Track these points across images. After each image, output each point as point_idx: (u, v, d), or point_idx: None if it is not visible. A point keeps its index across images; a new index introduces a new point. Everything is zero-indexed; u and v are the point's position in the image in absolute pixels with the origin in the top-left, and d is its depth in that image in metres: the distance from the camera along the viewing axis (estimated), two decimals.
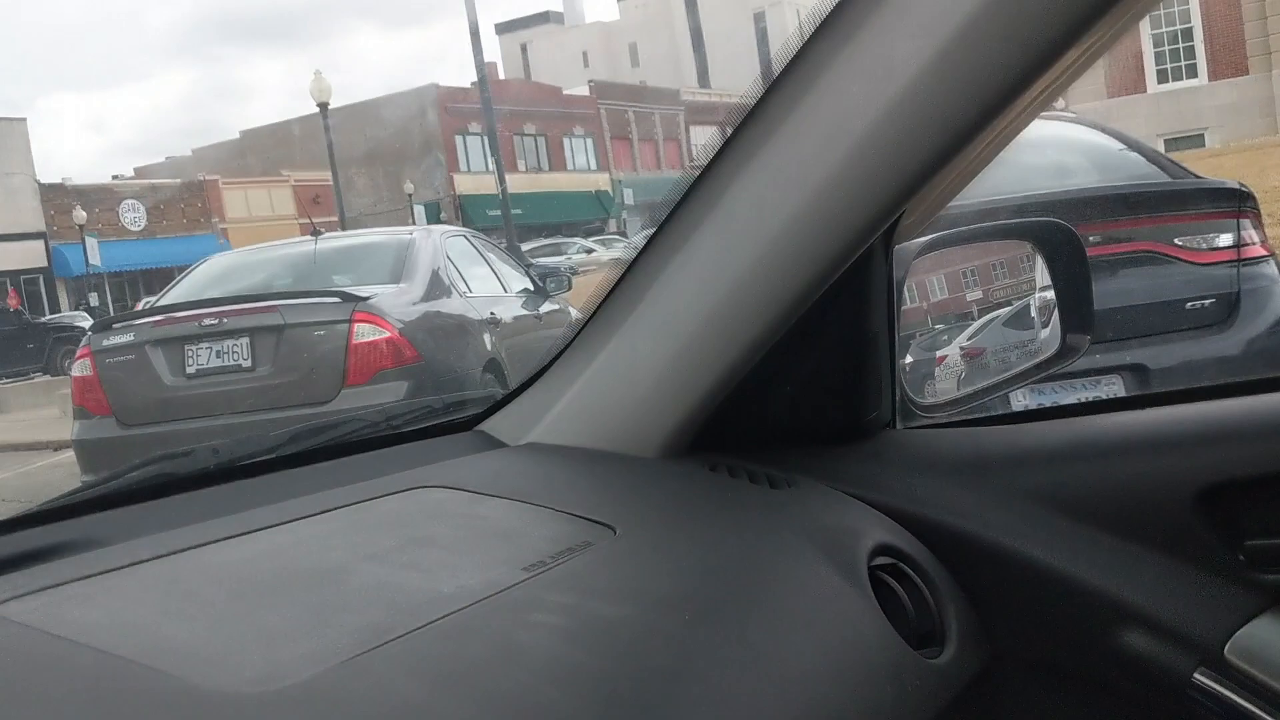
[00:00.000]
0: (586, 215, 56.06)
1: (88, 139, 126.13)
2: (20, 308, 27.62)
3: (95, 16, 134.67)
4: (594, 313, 1.23)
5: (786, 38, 1.01)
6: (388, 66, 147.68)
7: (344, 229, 28.95)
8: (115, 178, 45.99)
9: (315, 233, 6.58)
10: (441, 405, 1.42)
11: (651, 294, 1.15)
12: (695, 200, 1.10)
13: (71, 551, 0.89)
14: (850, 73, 0.96)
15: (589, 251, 36.47)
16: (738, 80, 72.39)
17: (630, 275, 1.18)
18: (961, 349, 2.05)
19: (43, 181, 38.85)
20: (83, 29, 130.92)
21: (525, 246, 37.89)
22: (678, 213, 1.12)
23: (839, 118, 0.98)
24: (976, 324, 2.11)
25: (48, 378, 22.17)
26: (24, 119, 39.41)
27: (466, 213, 51.91)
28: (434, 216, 49.82)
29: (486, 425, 1.31)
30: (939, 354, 1.98)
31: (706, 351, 1.13)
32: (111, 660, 0.71)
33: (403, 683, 0.72)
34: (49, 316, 28.63)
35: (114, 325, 5.83)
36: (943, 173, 1.00)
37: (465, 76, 52.76)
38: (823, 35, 0.97)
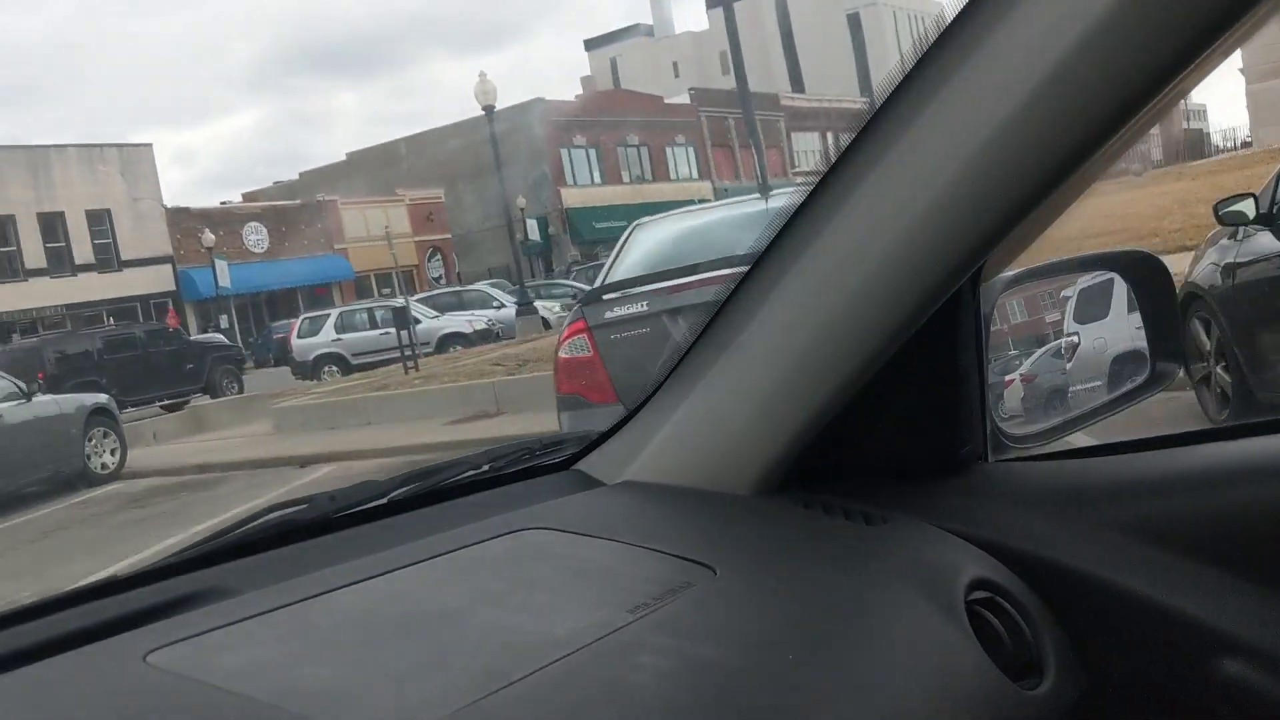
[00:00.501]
0: None
1: (176, 172, 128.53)
2: (179, 327, 27.25)
3: (181, 54, 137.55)
4: (687, 351, 1.24)
5: (881, 81, 1.01)
6: (460, 92, 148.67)
7: (512, 239, 28.33)
8: (223, 203, 46.05)
9: (765, 189, 5.51)
10: (539, 446, 1.43)
11: (745, 332, 1.16)
12: (787, 241, 1.11)
13: (207, 600, 0.94)
14: (943, 115, 0.96)
15: None
16: (833, 84, 71.38)
17: (723, 314, 1.19)
18: (1021, 375, 1.95)
19: (168, 206, 38.86)
20: (170, 66, 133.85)
21: None
22: (770, 252, 1.12)
23: (933, 160, 0.98)
24: (1038, 352, 2.03)
25: (207, 398, 21.65)
26: (149, 144, 39.29)
27: (574, 225, 51.32)
28: (544, 230, 49.40)
29: (583, 464, 1.34)
30: (1007, 378, 1.86)
31: (800, 389, 1.14)
32: (257, 705, 0.77)
33: None
34: (201, 336, 28.23)
35: (604, 296, 4.77)
36: (1035, 213, 1.00)
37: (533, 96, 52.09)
38: (914, 80, 0.97)
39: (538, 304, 26.31)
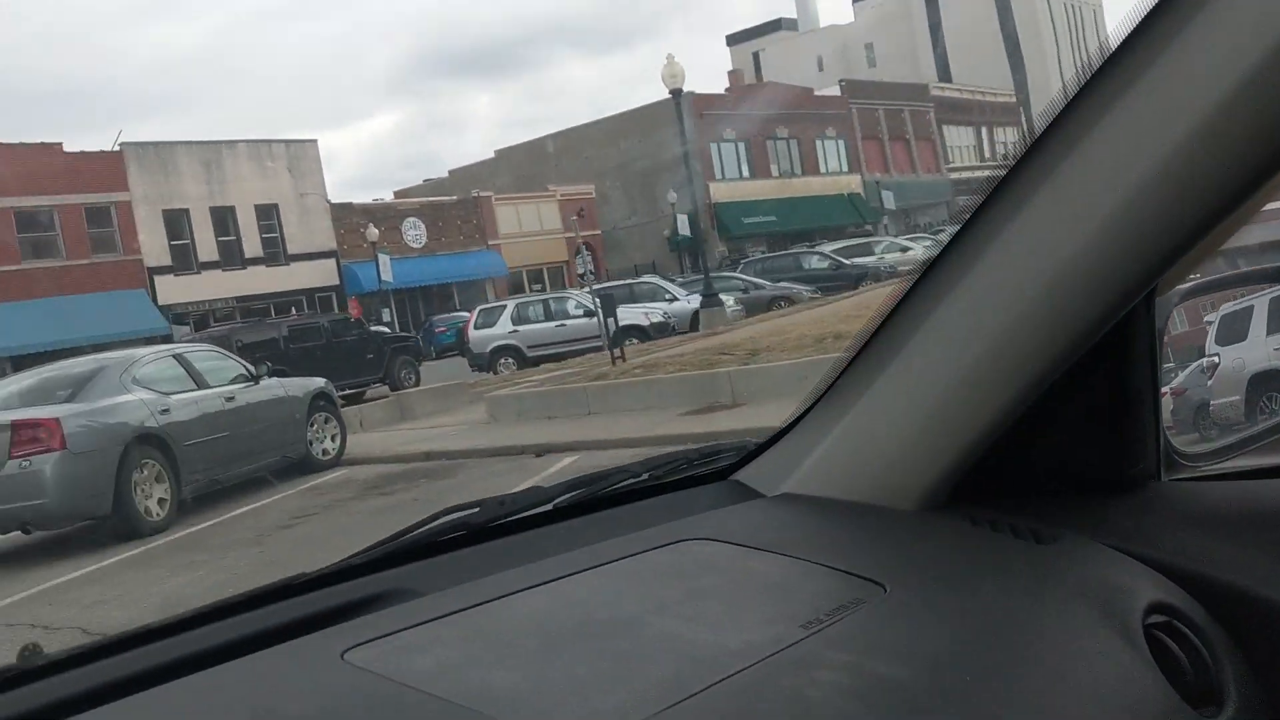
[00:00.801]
0: (840, 220, 53.70)
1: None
2: (361, 318, 27.33)
3: (324, 60, 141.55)
4: (850, 362, 1.22)
5: (1057, 90, 0.98)
6: (592, 92, 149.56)
7: (696, 229, 27.61)
8: (375, 200, 46.56)
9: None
10: (697, 455, 1.43)
11: (912, 343, 1.13)
12: (960, 248, 1.07)
13: (393, 601, 1.00)
14: (1124, 125, 0.93)
15: (904, 250, 33.97)
16: (982, 75, 68.87)
17: (889, 324, 1.15)
18: (1171, 389, 1.83)
19: (333, 201, 39.37)
20: (313, 72, 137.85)
21: (831, 246, 35.85)
22: (941, 260, 1.09)
23: (1114, 172, 0.94)
24: (1191, 366, 2.00)
25: (387, 391, 21.46)
26: (315, 140, 39.85)
27: (721, 221, 50.48)
28: (693, 225, 48.70)
29: (741, 475, 1.34)
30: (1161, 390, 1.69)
31: (971, 402, 1.10)
32: (451, 707, 0.81)
33: None
34: (378, 327, 28.29)
35: None
36: (1216, 229, 0.97)
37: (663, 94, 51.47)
38: (1093, 88, 0.94)
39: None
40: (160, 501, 9.41)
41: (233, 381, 11.09)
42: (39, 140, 32.43)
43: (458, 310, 40.67)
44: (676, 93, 22.32)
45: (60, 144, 32.70)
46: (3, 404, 9.65)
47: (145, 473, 9.30)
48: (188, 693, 0.85)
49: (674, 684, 0.83)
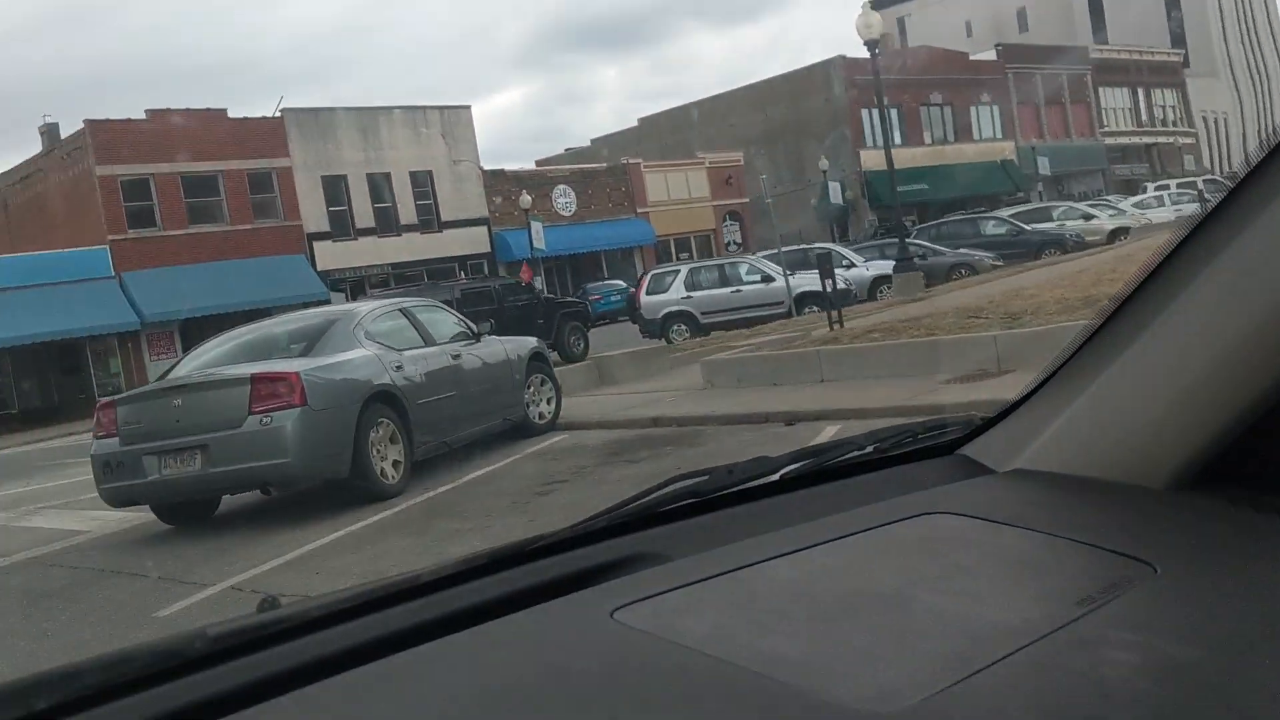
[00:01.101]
0: (993, 188, 51.48)
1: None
2: (532, 282, 26.87)
3: (454, 34, 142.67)
4: (1093, 334, 1.17)
5: None
6: (718, 64, 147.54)
7: (864, 200, 26.32)
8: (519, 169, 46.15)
9: None
10: (922, 429, 1.41)
11: (1169, 311, 1.07)
12: (1233, 206, 1.01)
13: (645, 564, 1.01)
14: None
15: (1086, 218, 32.02)
16: (1137, 34, 65.11)
17: (1146, 288, 1.10)
18: None
19: (485, 168, 39.06)
20: (445, 47, 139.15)
21: (1008, 212, 34.10)
22: (1209, 222, 1.03)
23: None
24: None
25: (556, 357, 20.83)
26: (468, 106, 39.59)
27: (873, 189, 48.78)
28: (841, 194, 47.20)
29: (968, 449, 1.32)
30: None
31: (1237, 375, 1.04)
32: (737, 670, 0.81)
33: (1003, 713, 0.77)
34: (548, 294, 27.81)
35: None
36: None
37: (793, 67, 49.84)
38: None
39: (882, 264, 24.33)
40: (395, 464, 8.78)
41: (454, 339, 10.43)
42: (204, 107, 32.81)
43: (606, 278, 40.07)
44: (872, 44, 21.04)
45: (225, 110, 33.04)
46: (231, 358, 9.15)
47: (380, 432, 8.68)
48: (475, 645, 0.88)
49: (958, 659, 0.81)
